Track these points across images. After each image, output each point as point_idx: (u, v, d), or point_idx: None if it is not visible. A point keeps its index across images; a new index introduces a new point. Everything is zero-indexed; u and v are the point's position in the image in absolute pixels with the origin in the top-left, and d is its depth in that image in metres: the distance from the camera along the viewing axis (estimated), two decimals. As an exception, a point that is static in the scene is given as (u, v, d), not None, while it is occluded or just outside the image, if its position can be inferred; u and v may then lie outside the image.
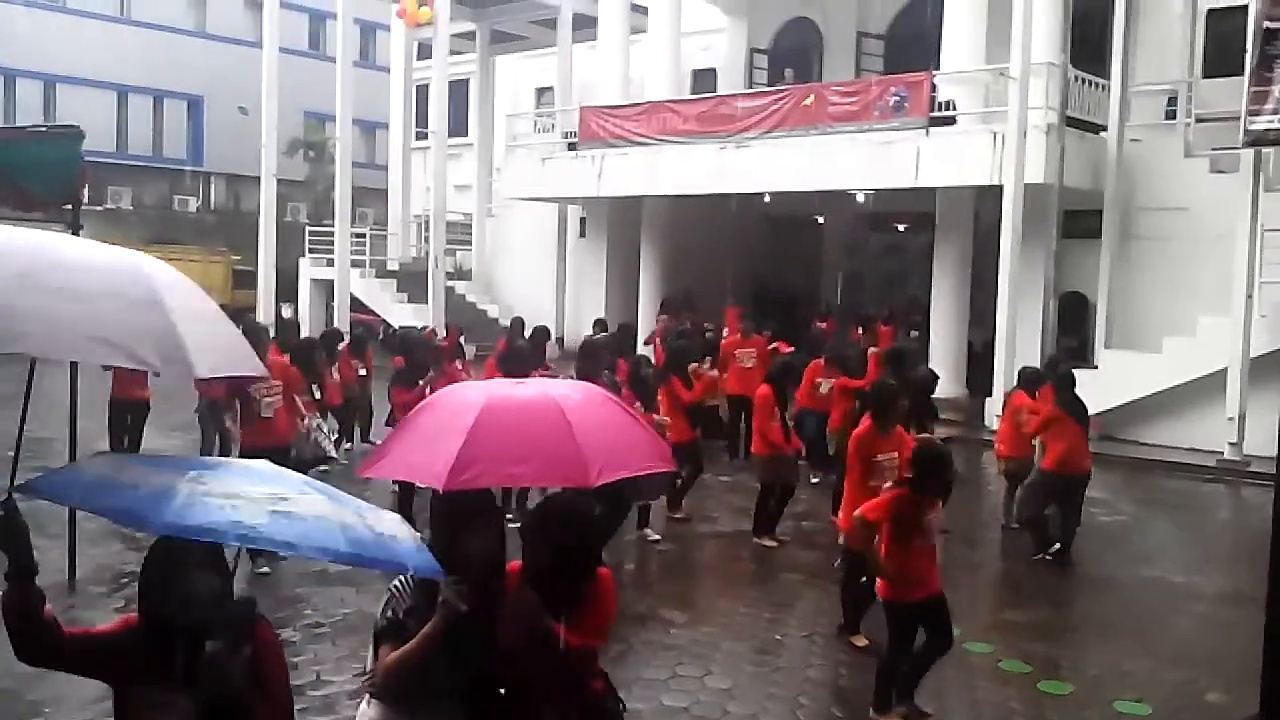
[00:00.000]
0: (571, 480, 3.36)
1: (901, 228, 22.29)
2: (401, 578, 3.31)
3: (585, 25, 24.39)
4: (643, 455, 3.67)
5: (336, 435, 12.13)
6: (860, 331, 17.42)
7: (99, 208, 32.45)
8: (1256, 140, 12.99)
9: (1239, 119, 13.04)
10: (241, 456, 6.53)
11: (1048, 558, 9.33)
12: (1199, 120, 15.92)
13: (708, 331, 16.24)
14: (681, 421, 10.19)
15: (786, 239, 23.97)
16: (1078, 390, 9.55)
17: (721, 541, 10.10)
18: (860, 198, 19.53)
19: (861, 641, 7.08)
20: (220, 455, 9.91)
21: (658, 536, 9.70)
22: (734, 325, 17.49)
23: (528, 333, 14.10)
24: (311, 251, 27.61)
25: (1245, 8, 13.38)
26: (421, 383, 10.31)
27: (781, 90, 18.86)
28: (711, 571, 9.55)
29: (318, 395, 10.75)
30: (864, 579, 6.31)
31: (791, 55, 22.86)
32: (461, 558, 3.20)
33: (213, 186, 39.01)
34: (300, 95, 31.19)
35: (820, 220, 23.61)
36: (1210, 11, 16.50)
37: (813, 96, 17.85)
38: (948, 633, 5.84)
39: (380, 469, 3.61)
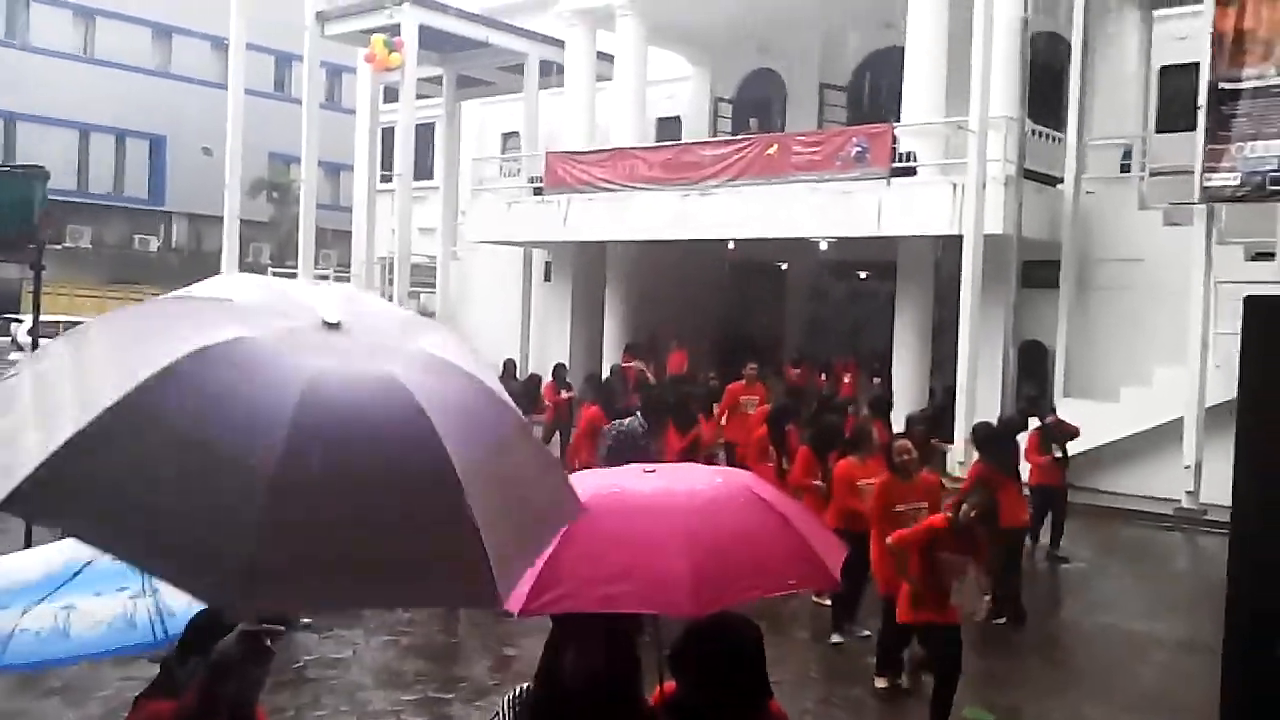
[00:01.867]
0: (674, 607, 2.75)
1: (864, 276, 22.52)
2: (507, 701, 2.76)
3: (552, 72, 24.59)
4: (785, 572, 3.00)
5: None
6: (823, 378, 17.55)
7: (58, 246, 32.11)
8: (1212, 196, 13.33)
9: (1192, 173, 13.38)
10: None
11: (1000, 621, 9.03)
12: (1153, 174, 16.31)
13: (712, 379, 16.12)
14: None
15: (750, 285, 24.14)
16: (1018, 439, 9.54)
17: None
18: (823, 246, 19.73)
19: (882, 683, 7.27)
20: None
21: None
22: (678, 368, 17.59)
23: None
24: (273, 293, 27.39)
25: (1196, 65, 13.75)
26: None
27: (745, 139, 19.08)
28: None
29: None
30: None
31: (755, 105, 23.15)
32: (569, 684, 2.66)
33: (175, 226, 38.79)
34: (265, 136, 31.15)
35: (783, 267, 23.80)
36: (1163, 68, 16.92)
37: (776, 146, 18.06)
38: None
39: (537, 603, 2.82)
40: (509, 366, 15.80)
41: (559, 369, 16.64)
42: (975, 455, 10.04)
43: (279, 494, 1.75)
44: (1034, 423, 11.76)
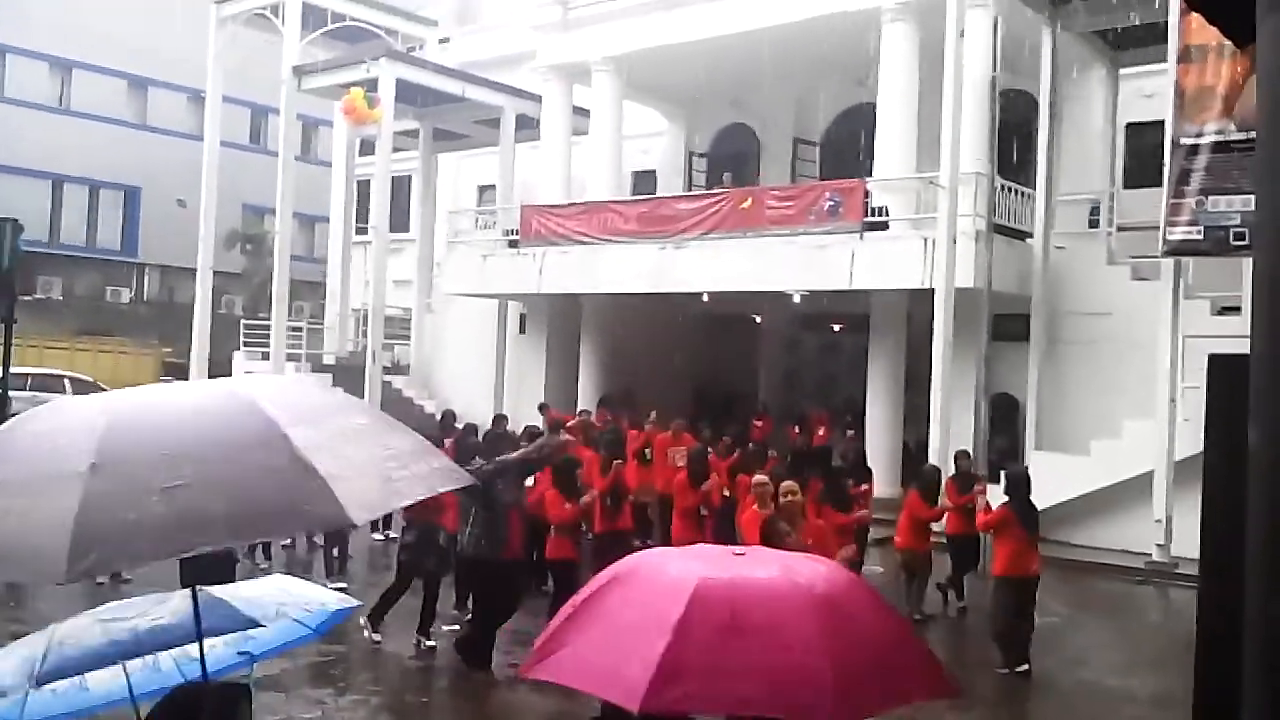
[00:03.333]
0: (813, 713, 2.44)
1: (837, 328, 22.65)
2: None
3: (528, 125, 24.77)
4: (913, 680, 2.71)
5: None
6: (797, 430, 17.56)
7: (28, 297, 31.88)
8: (1175, 250, 13.49)
9: (1158, 228, 13.56)
10: None
11: (1017, 671, 9.10)
12: (1120, 229, 16.55)
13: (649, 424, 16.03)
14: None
15: (724, 338, 24.22)
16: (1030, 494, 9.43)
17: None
18: (796, 298, 19.86)
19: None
20: None
21: None
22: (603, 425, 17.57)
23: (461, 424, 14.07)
24: (246, 344, 27.31)
25: (1162, 121, 13.98)
26: None
27: (720, 193, 19.24)
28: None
29: None
30: None
31: (729, 159, 23.38)
32: None
33: (147, 277, 38.58)
34: (239, 188, 31.15)
35: (757, 320, 23.91)
36: (1129, 125, 17.23)
37: (750, 200, 18.23)
38: None
39: (551, 669, 2.75)
40: (447, 417, 15.71)
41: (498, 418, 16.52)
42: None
43: (93, 482, 2.36)
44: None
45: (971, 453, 15.00)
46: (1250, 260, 2.18)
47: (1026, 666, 9.09)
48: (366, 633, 9.04)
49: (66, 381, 25.43)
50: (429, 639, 9.09)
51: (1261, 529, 2.05)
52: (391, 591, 9.34)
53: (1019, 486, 9.46)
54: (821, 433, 17.53)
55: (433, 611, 9.18)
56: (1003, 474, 10.57)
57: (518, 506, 8.84)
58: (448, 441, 12.58)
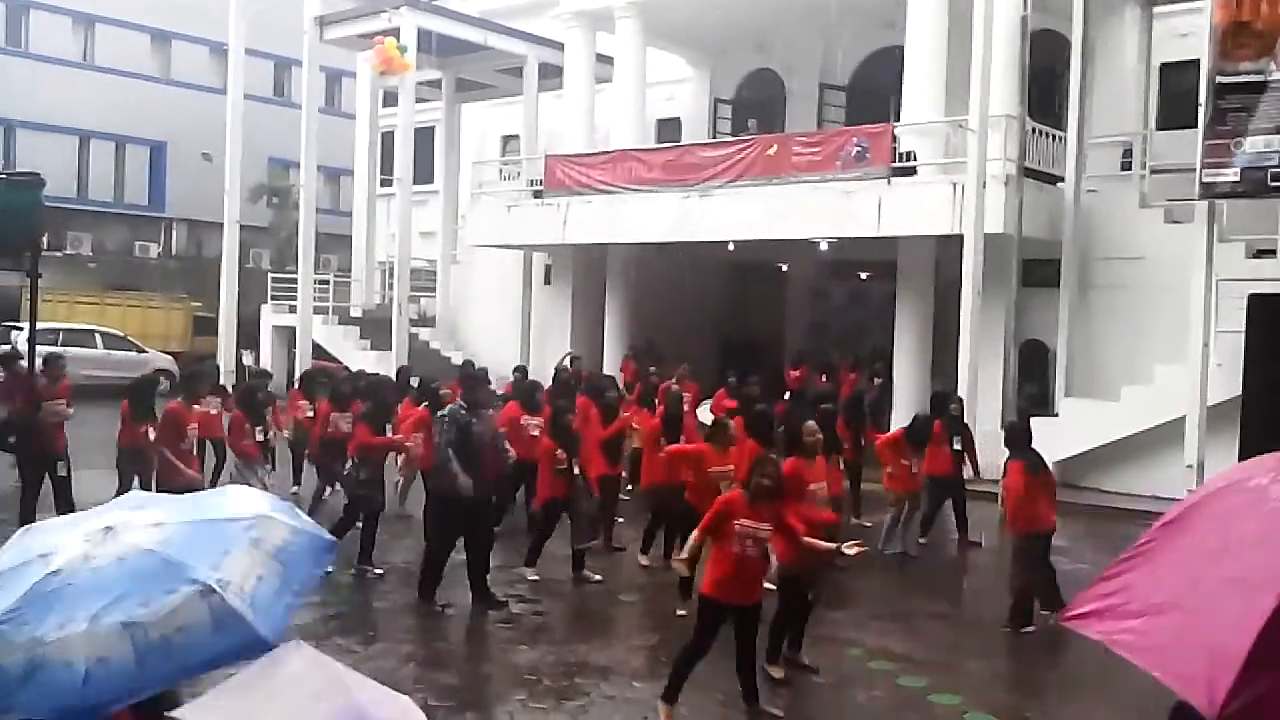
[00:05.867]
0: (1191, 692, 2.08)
1: (864, 276, 22.46)
2: None
3: (551, 74, 24.56)
4: None
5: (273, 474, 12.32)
6: (824, 379, 17.49)
7: (58, 254, 32.11)
8: (1211, 193, 13.24)
9: (1193, 170, 13.31)
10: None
11: (1050, 621, 8.69)
12: (1154, 172, 16.25)
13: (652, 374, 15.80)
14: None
15: (751, 287, 24.10)
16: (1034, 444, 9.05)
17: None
18: (823, 246, 19.69)
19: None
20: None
21: (599, 578, 9.95)
22: (631, 375, 17.52)
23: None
24: (274, 298, 27.44)
25: (1198, 62, 13.68)
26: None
27: (745, 140, 19.03)
28: (674, 622, 9.46)
29: (260, 438, 10.94)
30: None
31: (755, 106, 23.11)
32: None
33: (174, 232, 38.71)
34: (264, 141, 31.13)
35: (784, 268, 23.75)
36: (1164, 65, 16.87)
37: (776, 146, 18.02)
38: None
39: (1110, 634, 2.38)
40: (465, 367, 15.57)
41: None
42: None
43: None
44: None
45: (1002, 400, 14.94)
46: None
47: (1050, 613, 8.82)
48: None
49: (97, 336, 25.65)
50: (374, 567, 9.79)
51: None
52: (339, 527, 9.65)
53: (1021, 438, 9.09)
54: (851, 380, 17.49)
55: (373, 542, 9.86)
56: (1003, 431, 10.22)
57: (491, 446, 9.00)
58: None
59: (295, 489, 13.53)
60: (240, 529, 2.86)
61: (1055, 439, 15.46)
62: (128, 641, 2.55)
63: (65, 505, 9.94)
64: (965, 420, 12.63)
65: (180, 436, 9.90)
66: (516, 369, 16.79)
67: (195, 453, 10.53)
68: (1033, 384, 16.49)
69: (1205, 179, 13.07)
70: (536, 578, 9.88)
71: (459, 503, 8.65)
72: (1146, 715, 7.05)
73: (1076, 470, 15.51)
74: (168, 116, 36.66)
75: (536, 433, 11.09)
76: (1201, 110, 13.14)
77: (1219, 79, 12.88)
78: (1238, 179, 12.84)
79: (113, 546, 2.76)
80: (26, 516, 9.79)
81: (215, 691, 2.53)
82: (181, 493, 3.65)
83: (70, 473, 10.80)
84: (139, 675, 2.56)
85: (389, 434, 10.45)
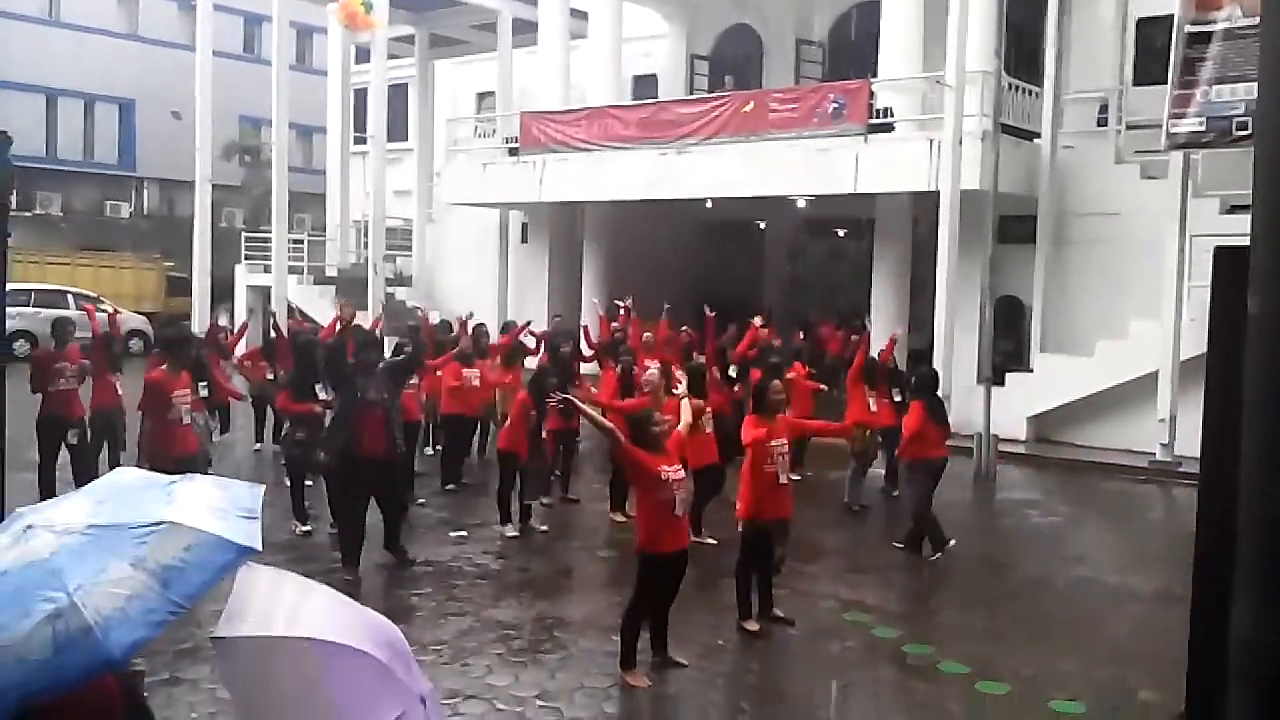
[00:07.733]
0: None
1: (841, 233, 22.48)
2: None
3: (526, 30, 24.30)
4: None
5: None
6: (802, 336, 17.49)
7: (28, 214, 31.73)
8: (1178, 143, 13.25)
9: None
10: (154, 469, 6.12)
11: (939, 555, 9.49)
12: (1129, 127, 16.25)
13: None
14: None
15: (728, 244, 24.07)
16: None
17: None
18: (800, 203, 19.66)
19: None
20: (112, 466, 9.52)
21: (545, 528, 10.31)
22: (607, 334, 17.35)
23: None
24: (248, 258, 27.20)
25: (1173, 16, 13.65)
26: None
27: (722, 96, 18.93)
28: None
29: (205, 394, 10.67)
30: None
31: (731, 62, 22.97)
32: None
33: (145, 192, 38.29)
34: (235, 99, 30.76)
35: (761, 225, 23.73)
36: (1140, 20, 16.82)
37: (753, 103, 17.93)
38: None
39: None
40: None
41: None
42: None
43: None
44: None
45: (978, 354, 15.03)
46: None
47: (953, 542, 9.55)
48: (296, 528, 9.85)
49: (69, 297, 25.40)
50: (305, 524, 9.91)
51: (1258, 400, 2.00)
52: (296, 492, 9.90)
53: (928, 385, 10.04)
54: (829, 336, 17.51)
55: (303, 498, 9.98)
56: (913, 378, 10.80)
57: (382, 407, 8.79)
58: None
59: (258, 445, 14.08)
60: (130, 542, 2.73)
61: (1030, 394, 15.66)
62: None
63: (85, 475, 9.42)
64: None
65: (167, 406, 9.07)
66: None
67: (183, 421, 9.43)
68: (1008, 339, 16.58)
69: (1171, 129, 13.07)
70: (516, 534, 9.94)
71: (353, 467, 8.67)
72: (1116, 663, 7.20)
73: (1050, 425, 15.67)
74: (136, 74, 36.16)
75: (477, 383, 11.68)
76: (1171, 60, 13.13)
77: (1188, 28, 12.85)
78: (1203, 128, 12.83)
79: (15, 553, 2.69)
80: (46, 490, 9.61)
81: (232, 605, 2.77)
82: (174, 471, 3.66)
83: (88, 439, 10.59)
84: None
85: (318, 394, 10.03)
